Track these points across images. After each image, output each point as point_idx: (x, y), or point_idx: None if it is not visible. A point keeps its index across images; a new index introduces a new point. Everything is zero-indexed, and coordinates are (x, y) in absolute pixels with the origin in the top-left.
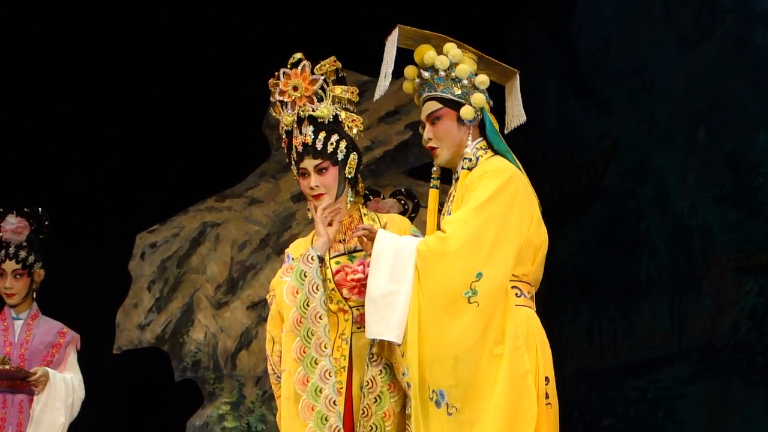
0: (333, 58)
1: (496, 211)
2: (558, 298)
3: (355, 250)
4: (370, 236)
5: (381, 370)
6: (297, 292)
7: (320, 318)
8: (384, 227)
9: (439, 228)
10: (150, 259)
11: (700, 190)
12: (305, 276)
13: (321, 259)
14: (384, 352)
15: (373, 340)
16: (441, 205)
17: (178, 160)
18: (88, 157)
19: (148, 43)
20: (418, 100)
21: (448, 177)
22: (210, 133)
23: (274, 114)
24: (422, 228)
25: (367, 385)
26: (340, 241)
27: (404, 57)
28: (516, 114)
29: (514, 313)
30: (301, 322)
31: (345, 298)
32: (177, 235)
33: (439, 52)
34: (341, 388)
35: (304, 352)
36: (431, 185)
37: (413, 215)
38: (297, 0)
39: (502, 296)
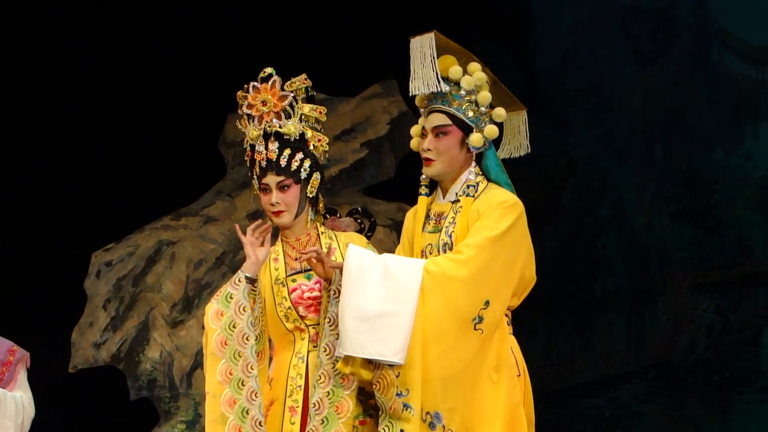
0: (304, 75)
1: (509, 243)
2: (514, 315)
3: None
4: (319, 258)
5: (329, 392)
6: (222, 315)
7: (247, 339)
8: (328, 248)
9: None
10: (105, 278)
11: (657, 208)
12: (231, 298)
13: (252, 281)
14: (353, 369)
15: (323, 357)
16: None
17: (134, 179)
18: (42, 174)
19: (103, 62)
20: (422, 103)
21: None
22: (165, 151)
23: (239, 126)
24: (379, 246)
25: (315, 406)
26: (296, 260)
27: (359, 74)
28: (520, 145)
29: (509, 341)
30: (226, 343)
31: (301, 317)
32: (132, 253)
33: (462, 66)
34: (297, 407)
35: (231, 373)
36: (421, 193)
37: (369, 234)
38: (252, 19)
39: (499, 325)
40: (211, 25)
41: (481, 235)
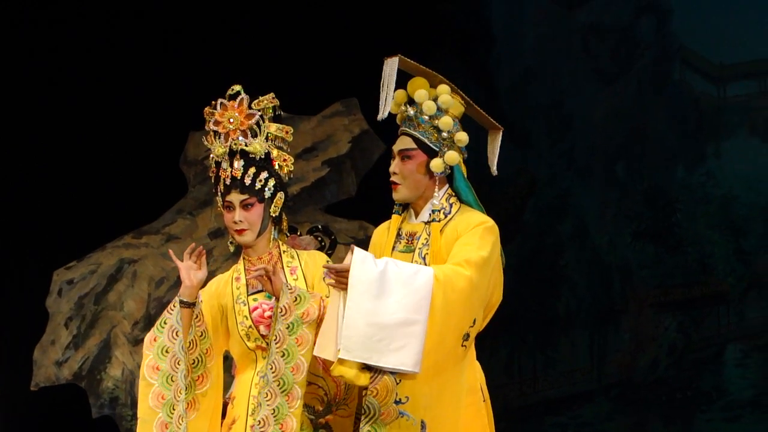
0: (272, 95)
1: (491, 265)
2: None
3: None
4: (268, 275)
5: (274, 410)
6: (155, 340)
7: (178, 364)
8: (274, 266)
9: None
10: (67, 296)
11: (619, 226)
12: (165, 323)
13: (188, 305)
14: (348, 372)
15: (269, 374)
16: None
17: (95, 197)
18: (2, 193)
19: (64, 78)
20: (400, 124)
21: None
22: (127, 169)
23: (205, 142)
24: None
25: (260, 424)
26: (257, 278)
27: (320, 92)
28: (490, 165)
29: (476, 366)
30: (158, 368)
31: (262, 336)
32: (94, 271)
33: (433, 89)
34: None
35: (163, 398)
36: (394, 211)
37: (330, 252)
38: (213, 37)
39: (473, 346)
40: (172, 43)
41: (476, 254)
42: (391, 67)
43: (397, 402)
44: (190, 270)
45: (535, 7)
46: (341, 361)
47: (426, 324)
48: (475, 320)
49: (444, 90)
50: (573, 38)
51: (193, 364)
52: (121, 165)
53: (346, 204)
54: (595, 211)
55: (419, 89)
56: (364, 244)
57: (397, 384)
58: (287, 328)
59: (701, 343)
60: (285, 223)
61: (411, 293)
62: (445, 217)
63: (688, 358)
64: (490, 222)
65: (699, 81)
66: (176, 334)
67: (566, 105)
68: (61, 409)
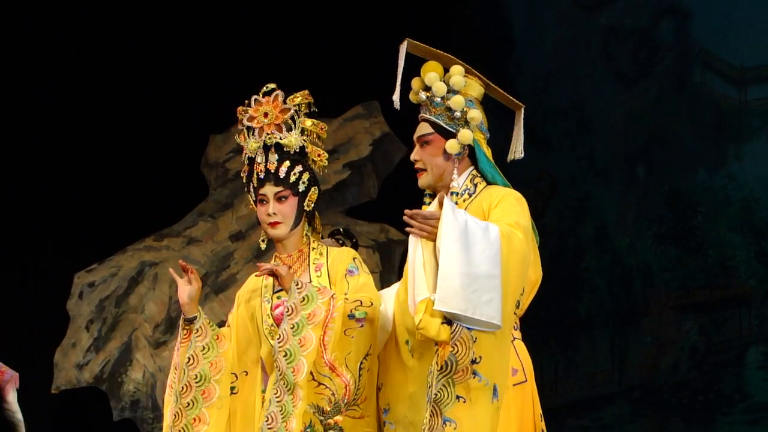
0: (306, 91)
1: (530, 234)
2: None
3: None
4: (273, 275)
5: (282, 407)
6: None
7: (179, 380)
8: (330, 261)
9: None
10: (88, 299)
11: (640, 228)
12: (176, 341)
13: (189, 321)
14: (434, 325)
15: (276, 373)
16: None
17: (116, 199)
18: (24, 195)
19: (84, 80)
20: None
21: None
22: (148, 172)
23: (238, 141)
24: None
25: (268, 420)
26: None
27: (341, 94)
28: (516, 148)
29: (519, 344)
30: (172, 386)
31: None
32: (115, 274)
33: (447, 70)
34: None
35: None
36: (423, 201)
37: None
38: (234, 40)
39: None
40: (192, 47)
41: (521, 220)
42: (401, 51)
43: (474, 361)
44: (184, 287)
45: (555, 9)
46: (431, 313)
47: (500, 279)
48: (524, 289)
49: (457, 71)
50: (593, 41)
51: (196, 379)
52: (142, 168)
53: (368, 207)
54: (616, 213)
55: (430, 72)
56: (386, 247)
57: (474, 342)
58: (292, 328)
59: (723, 346)
60: (318, 221)
61: (489, 246)
62: (470, 197)
63: (710, 360)
64: (516, 192)
65: (720, 84)
66: (178, 351)
67: (586, 108)
68: (82, 412)
